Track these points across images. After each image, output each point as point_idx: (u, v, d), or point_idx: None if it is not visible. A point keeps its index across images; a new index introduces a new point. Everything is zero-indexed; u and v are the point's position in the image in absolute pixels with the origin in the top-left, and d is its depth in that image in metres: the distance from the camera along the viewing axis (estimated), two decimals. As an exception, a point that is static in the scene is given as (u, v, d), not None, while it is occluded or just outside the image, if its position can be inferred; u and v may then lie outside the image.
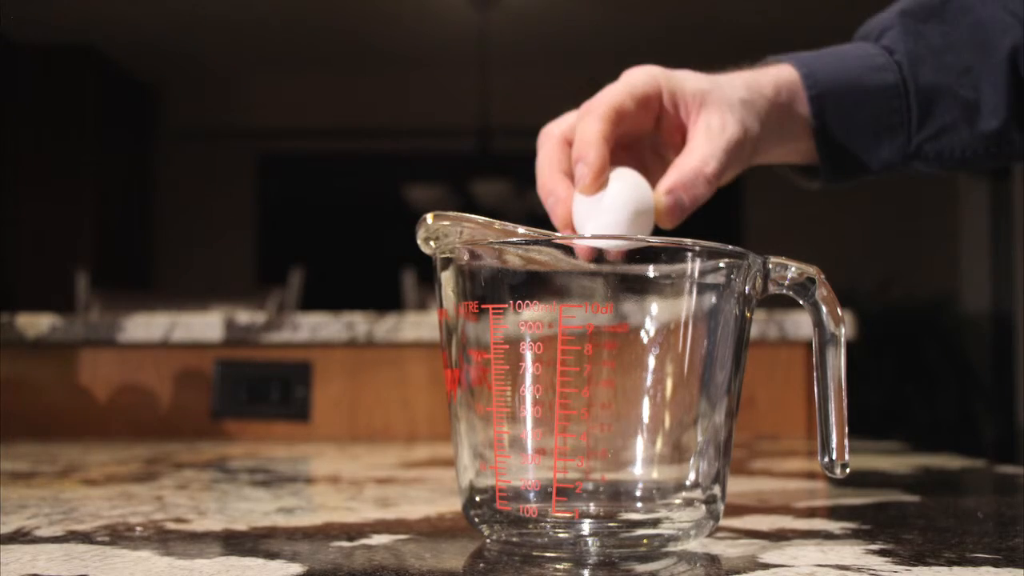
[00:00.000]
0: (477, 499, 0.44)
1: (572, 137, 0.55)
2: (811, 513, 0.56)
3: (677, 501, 0.43)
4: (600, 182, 0.52)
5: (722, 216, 5.34)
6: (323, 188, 5.45)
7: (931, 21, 0.64)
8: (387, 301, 2.43)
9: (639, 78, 0.56)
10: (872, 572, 0.38)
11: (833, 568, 0.39)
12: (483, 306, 0.42)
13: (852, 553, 0.42)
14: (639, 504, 0.43)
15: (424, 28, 4.63)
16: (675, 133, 0.58)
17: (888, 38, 0.65)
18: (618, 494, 0.43)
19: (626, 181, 0.53)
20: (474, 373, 0.44)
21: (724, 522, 0.49)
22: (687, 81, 0.57)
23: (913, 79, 0.63)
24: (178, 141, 5.32)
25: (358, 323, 1.12)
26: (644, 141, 0.59)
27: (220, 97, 5.32)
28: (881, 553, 0.42)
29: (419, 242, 0.45)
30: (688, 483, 0.44)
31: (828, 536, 0.47)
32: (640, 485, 0.44)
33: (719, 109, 0.56)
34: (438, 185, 4.60)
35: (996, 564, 0.39)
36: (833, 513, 0.57)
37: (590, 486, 0.43)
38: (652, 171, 0.57)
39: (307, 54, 5.00)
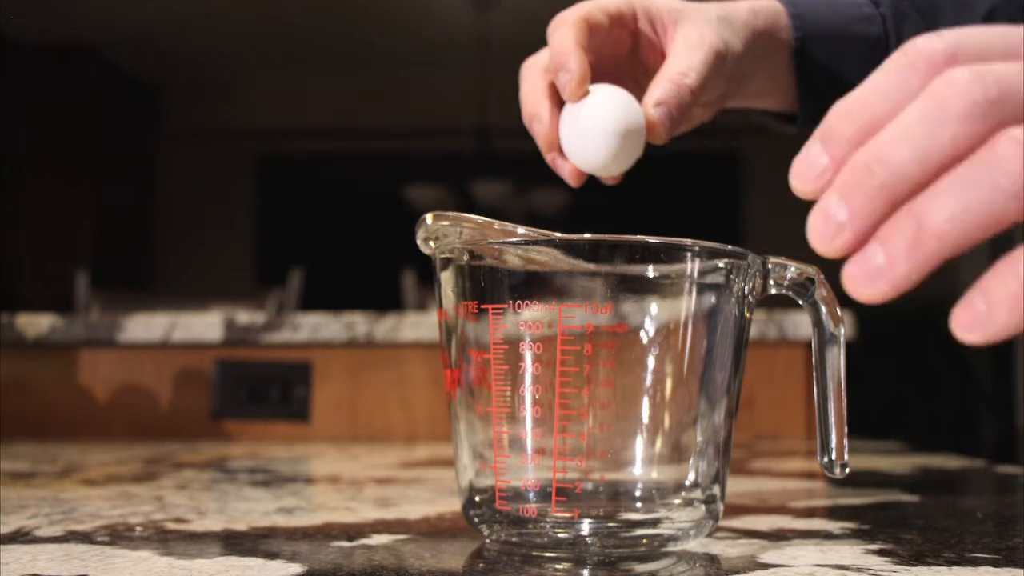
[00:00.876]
0: (477, 499, 0.44)
1: None
2: (811, 513, 0.56)
3: (676, 501, 0.44)
4: (585, 85, 0.51)
5: (722, 216, 5.35)
6: (323, 188, 5.45)
7: None
8: (387, 301, 2.43)
9: None
10: (871, 572, 0.38)
11: (832, 568, 0.39)
12: (483, 306, 0.42)
13: (852, 553, 0.42)
14: (639, 504, 0.43)
15: (424, 29, 4.63)
16: (654, 54, 0.58)
17: None
18: (618, 494, 0.43)
19: (613, 97, 0.52)
20: (474, 373, 0.44)
21: (724, 522, 0.49)
22: (661, 1, 0.57)
23: (896, 34, 0.63)
24: (178, 141, 5.32)
25: (358, 323, 1.12)
26: (624, 69, 0.59)
27: (220, 97, 5.32)
28: (881, 553, 0.42)
29: (419, 242, 0.45)
30: (687, 483, 0.44)
31: (828, 536, 0.47)
32: (639, 485, 0.44)
33: (696, 23, 0.56)
34: (438, 185, 4.60)
35: (995, 564, 0.39)
36: (833, 513, 0.57)
37: (590, 486, 0.43)
38: (637, 98, 0.57)
39: (307, 54, 5.01)
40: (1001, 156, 0.26)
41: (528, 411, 0.42)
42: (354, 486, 0.67)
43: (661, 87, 0.54)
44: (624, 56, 0.58)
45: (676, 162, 5.37)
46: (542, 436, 0.42)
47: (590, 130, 0.51)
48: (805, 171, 0.29)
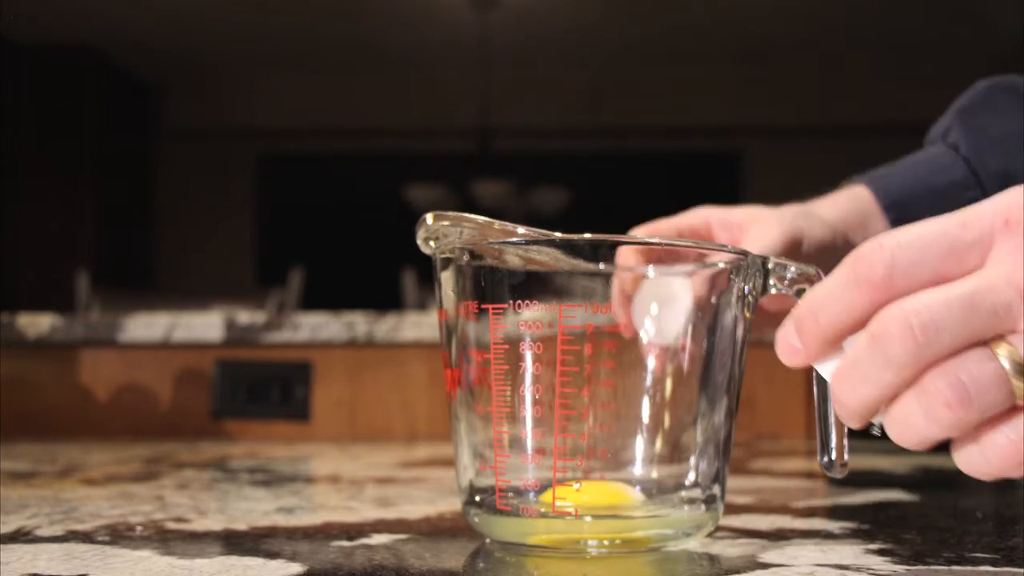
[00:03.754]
0: (477, 499, 0.44)
1: None
2: (811, 513, 0.57)
3: (677, 501, 0.44)
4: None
5: (722, 216, 5.34)
6: (323, 188, 5.45)
7: (986, 113, 0.68)
8: (387, 301, 2.43)
9: (689, 215, 0.61)
10: (872, 572, 0.38)
11: (833, 568, 0.39)
12: (483, 306, 0.42)
13: (852, 553, 0.42)
14: (639, 504, 0.43)
15: (424, 28, 4.63)
16: None
17: (952, 136, 0.68)
18: (618, 494, 0.43)
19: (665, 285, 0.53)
20: (474, 373, 0.44)
21: (724, 522, 0.49)
22: (737, 210, 0.61)
23: (982, 168, 0.66)
24: (178, 141, 5.32)
25: (358, 323, 1.12)
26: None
27: (220, 97, 5.32)
28: (880, 553, 0.42)
29: (419, 242, 0.45)
30: (688, 483, 0.44)
31: (828, 536, 0.47)
32: (640, 485, 0.44)
33: (767, 221, 0.59)
34: (438, 185, 4.60)
35: (995, 564, 0.39)
36: (833, 513, 0.57)
37: (590, 486, 0.43)
38: None
39: (307, 54, 5.01)
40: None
41: (528, 411, 0.42)
42: (354, 486, 0.67)
43: None
44: None
45: (676, 162, 5.38)
46: (542, 436, 0.42)
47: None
48: (787, 351, 0.35)
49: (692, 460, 0.44)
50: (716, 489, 0.44)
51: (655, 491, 0.44)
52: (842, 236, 0.63)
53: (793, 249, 0.59)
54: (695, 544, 0.44)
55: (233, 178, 5.43)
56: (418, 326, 1.12)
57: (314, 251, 4.93)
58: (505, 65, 4.66)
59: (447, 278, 0.44)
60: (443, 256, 0.44)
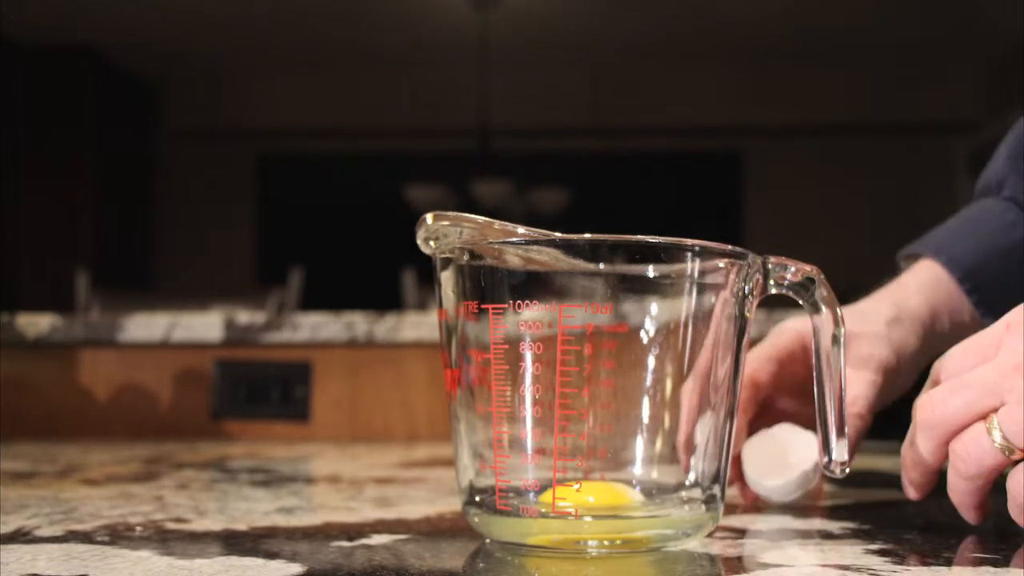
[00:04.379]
0: (477, 499, 0.44)
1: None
2: (811, 513, 0.56)
3: (677, 501, 0.44)
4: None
5: (722, 216, 5.35)
6: (323, 188, 5.45)
7: None
8: (387, 301, 2.43)
9: (783, 337, 0.60)
10: (872, 572, 0.38)
11: (833, 568, 0.39)
12: (483, 306, 0.42)
13: (852, 553, 0.42)
14: (639, 504, 0.43)
15: (424, 28, 4.63)
16: None
17: (1008, 188, 0.66)
18: (618, 494, 0.43)
19: (789, 444, 0.55)
20: (474, 373, 0.44)
21: (724, 522, 0.49)
22: None
23: None
24: (178, 141, 5.32)
25: (358, 323, 1.12)
26: (808, 394, 0.60)
27: (220, 97, 5.33)
28: (881, 553, 0.42)
29: (419, 242, 0.45)
30: (688, 483, 0.44)
31: (828, 536, 0.47)
32: (640, 485, 0.44)
33: (866, 340, 0.59)
34: (438, 185, 4.60)
35: (996, 564, 0.39)
36: (833, 513, 0.57)
37: (590, 486, 0.43)
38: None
39: (307, 54, 5.01)
40: None
41: (528, 411, 0.42)
42: (354, 486, 0.67)
43: None
44: (803, 383, 0.59)
45: (676, 162, 5.38)
46: (542, 436, 0.42)
47: (772, 478, 0.54)
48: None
49: (692, 460, 0.44)
50: (716, 489, 0.44)
51: (655, 491, 0.44)
52: (934, 329, 0.62)
53: (889, 380, 0.59)
54: (695, 544, 0.44)
55: (233, 178, 5.43)
56: (418, 326, 1.12)
57: (314, 251, 4.93)
58: (505, 65, 4.66)
59: (447, 278, 0.44)
60: (443, 256, 0.44)
